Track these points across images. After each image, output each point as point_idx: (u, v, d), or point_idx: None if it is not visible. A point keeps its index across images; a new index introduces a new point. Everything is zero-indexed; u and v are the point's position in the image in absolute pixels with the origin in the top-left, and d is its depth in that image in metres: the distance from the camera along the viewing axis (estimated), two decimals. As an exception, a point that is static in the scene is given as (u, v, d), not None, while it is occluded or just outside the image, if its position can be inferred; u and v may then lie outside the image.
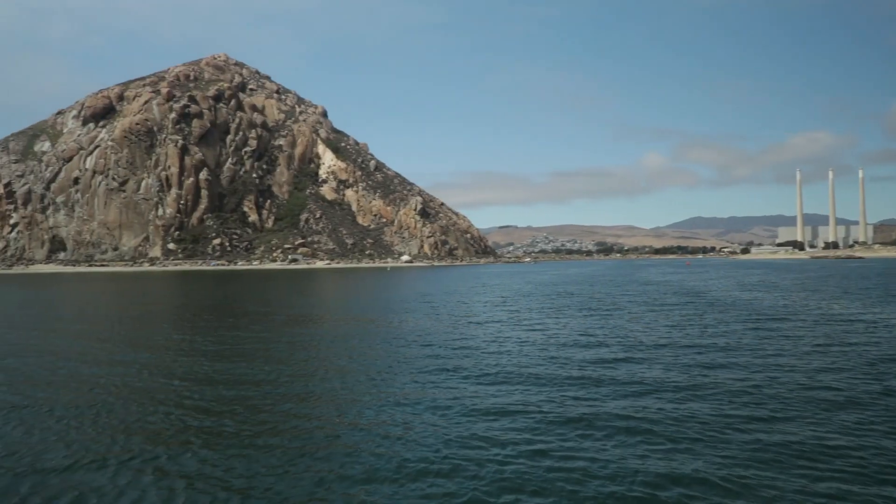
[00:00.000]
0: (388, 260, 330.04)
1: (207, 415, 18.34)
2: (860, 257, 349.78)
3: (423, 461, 13.93)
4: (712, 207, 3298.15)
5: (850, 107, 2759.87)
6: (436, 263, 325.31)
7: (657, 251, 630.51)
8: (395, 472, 13.33)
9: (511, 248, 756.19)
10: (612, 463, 13.69)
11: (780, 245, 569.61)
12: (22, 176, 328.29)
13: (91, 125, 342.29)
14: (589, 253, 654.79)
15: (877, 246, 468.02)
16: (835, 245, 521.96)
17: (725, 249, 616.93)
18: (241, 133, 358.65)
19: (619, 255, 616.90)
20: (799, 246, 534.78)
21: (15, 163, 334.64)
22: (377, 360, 27.22)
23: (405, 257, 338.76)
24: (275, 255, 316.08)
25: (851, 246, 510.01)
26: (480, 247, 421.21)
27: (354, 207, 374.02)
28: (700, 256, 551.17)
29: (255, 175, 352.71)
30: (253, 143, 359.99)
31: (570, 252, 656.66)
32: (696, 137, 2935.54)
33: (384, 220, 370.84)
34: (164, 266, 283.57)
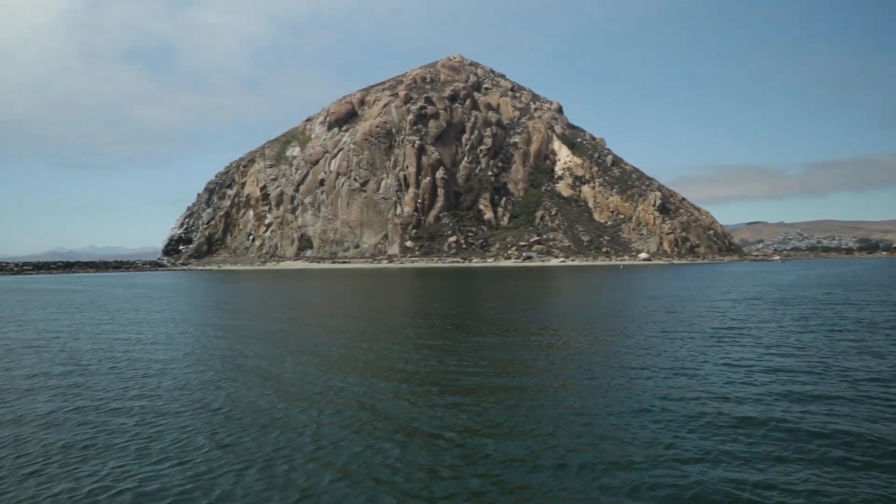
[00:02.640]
0: (625, 258, 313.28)
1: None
2: None
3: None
4: None
5: None
6: (675, 261, 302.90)
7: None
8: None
9: (760, 245, 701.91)
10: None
11: None
12: (275, 179, 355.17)
13: (335, 130, 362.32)
14: (849, 251, 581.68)
15: None
16: None
17: None
18: (476, 132, 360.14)
19: (885, 252, 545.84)
20: None
21: (270, 167, 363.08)
22: (595, 370, 23.45)
23: (643, 255, 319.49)
24: (510, 252, 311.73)
25: None
26: (724, 244, 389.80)
27: (591, 204, 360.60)
28: None
29: (490, 173, 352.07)
30: (488, 141, 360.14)
31: (826, 250, 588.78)
32: None
33: (622, 216, 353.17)
34: (401, 263, 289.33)
